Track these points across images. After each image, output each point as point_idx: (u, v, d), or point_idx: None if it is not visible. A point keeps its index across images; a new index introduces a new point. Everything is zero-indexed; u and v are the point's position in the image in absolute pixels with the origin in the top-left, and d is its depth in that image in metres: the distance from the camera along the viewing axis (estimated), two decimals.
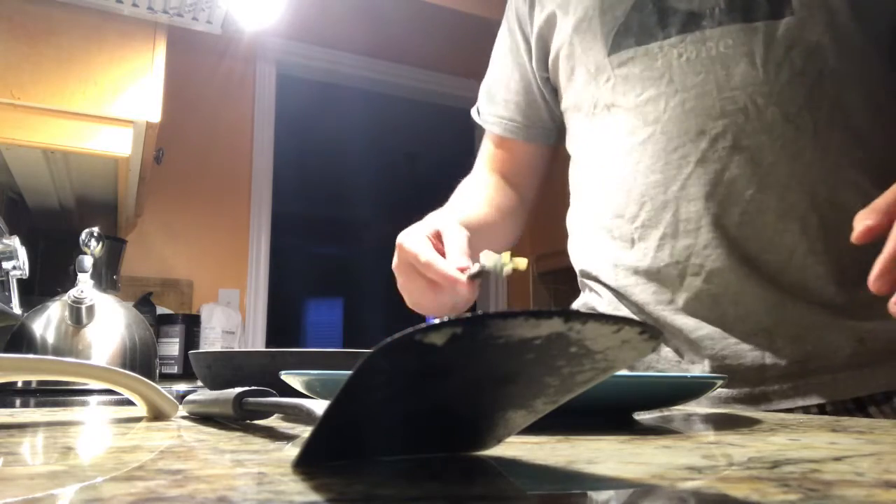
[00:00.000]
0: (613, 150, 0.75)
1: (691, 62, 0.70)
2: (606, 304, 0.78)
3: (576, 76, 0.80)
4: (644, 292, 0.73)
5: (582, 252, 0.82)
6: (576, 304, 0.85)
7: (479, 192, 0.90)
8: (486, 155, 0.95)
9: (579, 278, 0.85)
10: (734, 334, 0.68)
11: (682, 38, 0.70)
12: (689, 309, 0.70)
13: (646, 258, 0.72)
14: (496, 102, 0.92)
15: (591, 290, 0.82)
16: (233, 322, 2.28)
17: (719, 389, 0.69)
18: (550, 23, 0.82)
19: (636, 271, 0.73)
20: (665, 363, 0.73)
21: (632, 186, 0.73)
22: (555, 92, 0.87)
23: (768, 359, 0.67)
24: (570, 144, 0.86)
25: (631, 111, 0.73)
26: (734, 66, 0.68)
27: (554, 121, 0.90)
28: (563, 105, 0.85)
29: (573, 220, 0.85)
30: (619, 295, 0.76)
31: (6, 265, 1.07)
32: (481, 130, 0.96)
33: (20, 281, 1.11)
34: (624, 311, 0.75)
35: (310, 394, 0.48)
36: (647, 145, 0.72)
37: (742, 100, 0.67)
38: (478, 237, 0.71)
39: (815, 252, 0.66)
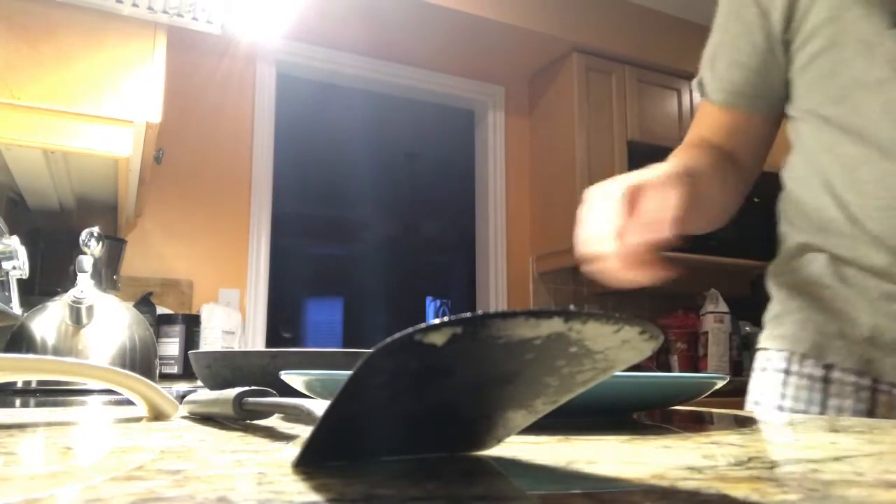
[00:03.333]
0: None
1: None
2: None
3: (842, 45, 0.74)
4: None
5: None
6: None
7: (695, 155, 0.81)
8: (705, 126, 0.86)
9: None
10: None
11: None
12: None
13: None
14: (716, 70, 0.84)
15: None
16: (233, 322, 2.28)
17: None
18: None
19: None
20: None
21: None
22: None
23: None
24: (825, 109, 0.78)
25: None
26: None
27: (784, 87, 0.82)
28: (812, 72, 0.78)
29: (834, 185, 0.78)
30: None
31: (6, 265, 1.07)
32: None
33: (20, 281, 1.11)
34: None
35: (310, 394, 0.48)
36: None
37: None
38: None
39: None
